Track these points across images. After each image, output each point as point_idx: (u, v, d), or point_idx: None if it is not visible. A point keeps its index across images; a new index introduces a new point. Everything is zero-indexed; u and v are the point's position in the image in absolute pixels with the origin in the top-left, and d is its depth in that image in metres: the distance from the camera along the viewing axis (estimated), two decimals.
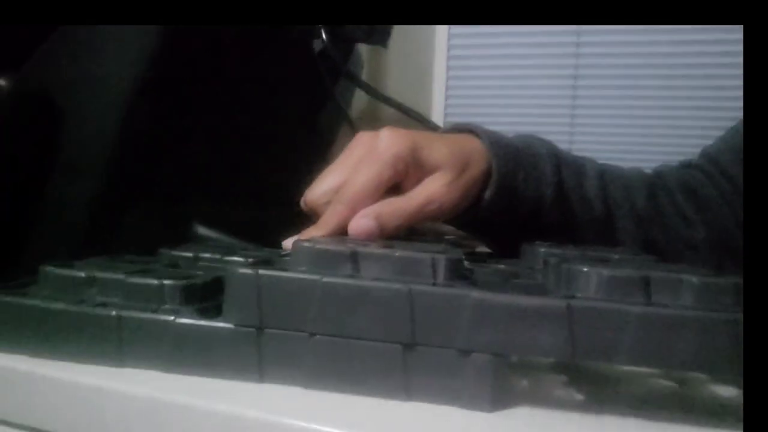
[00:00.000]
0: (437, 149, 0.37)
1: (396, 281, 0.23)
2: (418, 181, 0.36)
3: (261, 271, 0.23)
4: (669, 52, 1.54)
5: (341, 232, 0.34)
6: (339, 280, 0.23)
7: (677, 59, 1.54)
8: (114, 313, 0.24)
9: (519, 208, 0.41)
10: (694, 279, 0.23)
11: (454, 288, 0.22)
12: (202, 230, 0.53)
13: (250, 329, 0.23)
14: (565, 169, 0.43)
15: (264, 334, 0.23)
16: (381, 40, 0.59)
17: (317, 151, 0.67)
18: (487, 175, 0.39)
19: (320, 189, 0.36)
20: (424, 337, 0.22)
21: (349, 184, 0.34)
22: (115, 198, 0.46)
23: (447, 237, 0.49)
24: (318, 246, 0.25)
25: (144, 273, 0.27)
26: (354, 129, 0.62)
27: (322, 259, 0.24)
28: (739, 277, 0.23)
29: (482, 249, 0.46)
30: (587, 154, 0.49)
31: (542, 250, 0.33)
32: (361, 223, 0.33)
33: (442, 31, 1.63)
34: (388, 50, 0.66)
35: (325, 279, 0.23)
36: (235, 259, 0.34)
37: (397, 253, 0.24)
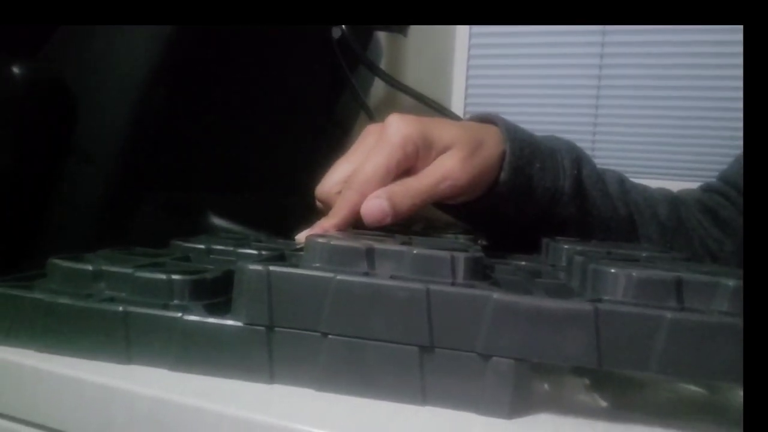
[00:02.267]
0: (447, 130, 0.35)
1: (413, 280, 0.22)
2: (429, 163, 0.35)
3: (272, 268, 0.22)
4: (695, 52, 1.50)
5: (354, 219, 0.33)
6: (354, 278, 0.21)
7: (703, 59, 1.50)
8: (121, 308, 0.23)
9: (534, 199, 0.39)
10: (731, 282, 0.21)
11: (474, 289, 0.21)
12: (217, 220, 0.52)
13: (260, 328, 0.22)
14: (585, 166, 0.42)
15: (275, 334, 0.22)
16: (401, 28, 0.58)
17: (334, 140, 0.66)
18: (502, 159, 0.38)
19: (331, 180, 0.36)
20: (443, 339, 0.21)
21: (359, 170, 0.33)
22: (129, 187, 0.45)
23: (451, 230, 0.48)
24: (332, 242, 0.24)
25: (153, 267, 0.26)
26: (371, 118, 0.61)
27: (336, 256, 0.23)
28: None
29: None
30: (609, 149, 0.48)
31: (566, 246, 0.32)
32: (374, 203, 0.32)
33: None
34: (408, 40, 0.64)
35: (339, 277, 0.21)
36: (248, 251, 0.33)
37: (415, 251, 0.23)
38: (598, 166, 0.45)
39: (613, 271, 0.22)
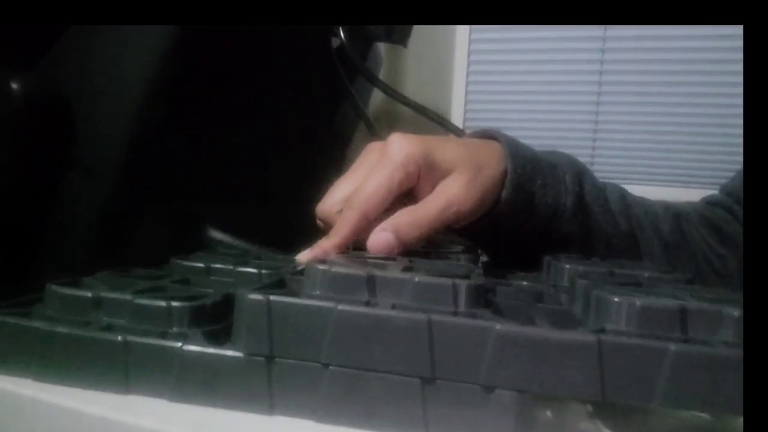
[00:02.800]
0: (449, 150, 0.35)
1: (415, 309, 0.22)
2: (432, 184, 0.35)
3: (272, 297, 0.22)
4: (695, 59, 1.49)
5: (355, 239, 0.33)
6: (354, 308, 0.21)
7: (704, 66, 1.49)
8: (119, 338, 0.23)
9: (536, 215, 0.39)
10: (735, 312, 0.21)
11: (477, 319, 0.21)
12: (217, 234, 0.52)
13: (260, 358, 0.22)
14: (587, 182, 0.42)
15: (275, 364, 0.22)
16: (400, 39, 0.58)
17: (334, 151, 0.66)
18: (504, 176, 0.38)
19: (332, 199, 0.36)
20: (445, 370, 0.21)
21: (360, 189, 0.33)
22: (129, 200, 0.45)
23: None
24: (333, 269, 0.23)
25: (152, 292, 0.26)
26: (371, 129, 0.61)
27: (337, 284, 0.23)
28: None
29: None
30: (609, 155, 0.48)
31: (567, 266, 0.32)
32: (380, 237, 0.32)
33: (462, 30, 1.60)
34: (408, 49, 0.64)
35: (341, 307, 0.21)
36: (248, 270, 0.33)
37: (417, 278, 0.23)
38: (599, 174, 0.45)
39: (616, 299, 0.22)
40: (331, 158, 0.66)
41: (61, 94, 0.42)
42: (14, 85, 0.40)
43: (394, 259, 0.29)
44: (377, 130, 0.62)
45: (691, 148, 1.52)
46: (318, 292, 0.23)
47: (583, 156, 1.53)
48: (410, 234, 0.33)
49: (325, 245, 0.32)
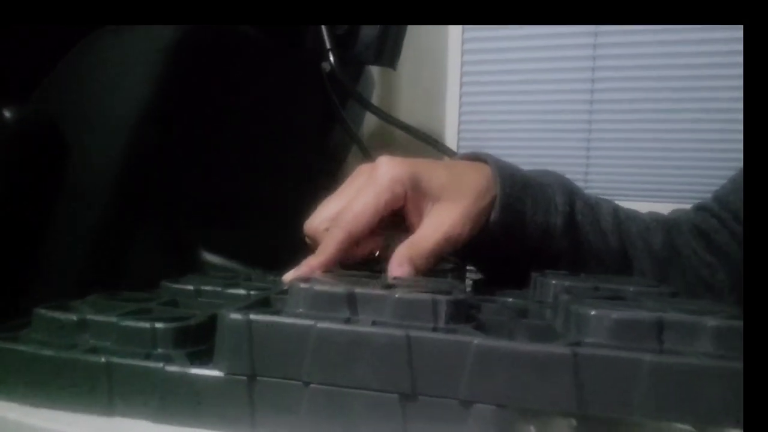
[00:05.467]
0: (437, 175, 0.36)
1: (395, 326, 0.22)
2: (419, 206, 0.36)
3: (252, 316, 0.22)
4: (690, 69, 1.51)
5: (341, 258, 0.33)
6: (334, 326, 0.21)
7: (700, 82, 1.50)
8: (103, 359, 0.23)
9: (527, 235, 0.40)
10: (712, 323, 0.21)
11: (455, 334, 0.21)
12: (210, 257, 0.52)
13: (241, 378, 0.22)
14: (578, 201, 0.42)
15: (256, 383, 0.22)
16: (389, 61, 0.59)
17: (327, 173, 0.66)
18: (494, 199, 0.38)
19: (320, 217, 0.36)
20: (425, 386, 0.21)
21: (347, 210, 0.34)
22: (122, 224, 0.45)
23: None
24: (315, 287, 0.24)
25: (138, 314, 0.26)
26: (363, 150, 0.61)
27: (319, 302, 0.23)
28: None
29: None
30: (602, 181, 0.48)
31: (553, 282, 0.32)
32: (401, 271, 0.32)
33: (454, 51, 1.61)
34: (401, 72, 0.65)
35: (320, 325, 0.22)
36: (237, 291, 0.33)
37: (396, 295, 0.23)
38: (592, 190, 0.45)
39: (593, 313, 0.22)
40: (324, 180, 0.67)
41: (54, 123, 0.43)
42: (7, 115, 0.40)
43: (378, 277, 0.29)
44: (370, 151, 0.62)
45: (684, 164, 1.52)
46: (300, 311, 0.24)
47: (576, 173, 1.53)
48: (422, 264, 0.34)
49: (311, 263, 0.33)
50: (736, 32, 1.40)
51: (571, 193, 0.42)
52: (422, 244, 0.34)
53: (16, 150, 0.41)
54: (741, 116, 1.44)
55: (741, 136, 1.44)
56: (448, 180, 0.36)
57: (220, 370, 0.22)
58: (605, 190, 1.50)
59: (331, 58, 0.57)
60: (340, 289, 0.23)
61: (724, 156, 1.48)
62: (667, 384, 0.20)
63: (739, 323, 0.21)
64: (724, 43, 1.44)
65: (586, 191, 0.45)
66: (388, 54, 0.59)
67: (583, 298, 0.26)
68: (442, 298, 0.23)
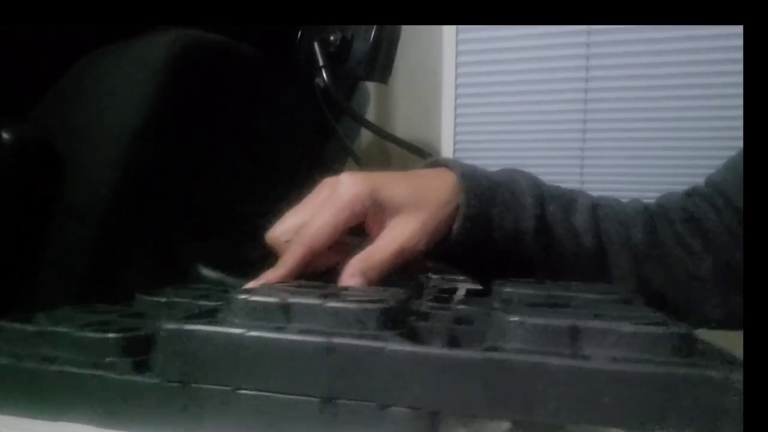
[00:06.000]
0: (398, 190, 0.37)
1: (323, 333, 0.23)
2: (380, 221, 0.36)
3: (186, 327, 0.23)
4: (685, 72, 1.50)
5: (300, 272, 0.35)
6: (262, 334, 0.23)
7: (696, 79, 1.50)
8: (51, 368, 0.24)
9: (495, 241, 0.40)
10: (625, 329, 0.22)
11: (368, 340, 0.22)
12: (206, 271, 0.54)
13: (176, 384, 0.23)
14: (549, 202, 0.42)
15: (189, 389, 0.23)
16: (381, 77, 0.60)
17: None
18: (458, 208, 0.39)
19: (282, 228, 0.37)
20: (343, 391, 0.22)
21: (308, 225, 0.35)
22: (118, 239, 0.46)
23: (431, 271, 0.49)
24: (251, 298, 0.25)
25: (96, 325, 0.27)
26: (358, 162, 0.62)
27: (255, 312, 0.25)
28: (683, 327, 0.22)
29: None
30: (597, 184, 0.47)
31: (506, 290, 0.33)
32: (352, 282, 0.34)
33: (449, 64, 1.64)
34: (397, 86, 0.66)
35: (249, 333, 0.23)
36: (207, 303, 0.35)
37: (327, 304, 0.24)
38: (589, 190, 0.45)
39: (511, 319, 0.23)
40: None
41: (51, 141, 0.45)
42: (5, 135, 0.42)
43: (323, 288, 0.30)
44: (365, 163, 0.64)
45: (679, 162, 1.52)
46: (238, 321, 0.25)
47: (572, 183, 1.57)
48: (374, 276, 0.35)
49: (270, 276, 0.34)
50: (734, 32, 1.39)
51: (541, 194, 0.42)
52: (375, 256, 0.35)
53: (14, 168, 0.43)
54: (737, 114, 1.44)
55: (737, 133, 1.43)
56: (408, 193, 0.37)
57: (157, 376, 0.23)
58: (601, 192, 1.51)
59: (324, 74, 0.59)
60: (274, 299, 0.25)
61: (721, 154, 1.47)
62: (572, 388, 0.20)
63: (652, 329, 0.22)
64: (721, 40, 1.44)
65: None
66: (379, 69, 0.60)
67: (519, 306, 0.26)
68: (372, 307, 0.24)
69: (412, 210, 0.37)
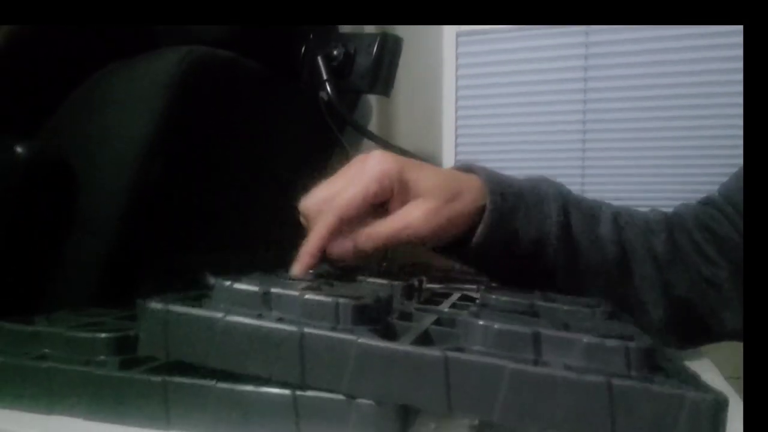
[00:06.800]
0: (425, 176, 0.38)
1: (298, 323, 0.24)
2: (403, 202, 0.38)
3: (171, 307, 0.24)
4: (684, 78, 1.51)
5: (331, 240, 0.37)
6: (239, 319, 0.24)
7: (694, 88, 1.51)
8: (44, 365, 0.27)
9: (518, 246, 0.40)
10: (584, 339, 0.23)
11: (342, 333, 0.23)
12: (214, 280, 0.54)
13: (157, 378, 0.25)
14: (574, 211, 0.43)
15: (170, 384, 0.25)
16: (383, 90, 0.61)
17: None
18: (481, 212, 0.39)
19: (314, 199, 0.39)
20: (314, 380, 0.23)
21: (338, 195, 0.37)
22: (128, 254, 0.47)
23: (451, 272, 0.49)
24: (234, 286, 0.26)
25: (89, 326, 0.30)
26: None
27: (236, 298, 0.26)
28: (647, 342, 0.23)
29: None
30: (598, 189, 0.48)
31: (490, 296, 0.33)
32: (340, 243, 0.37)
33: (449, 77, 1.66)
34: (399, 99, 0.67)
35: (227, 318, 0.24)
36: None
37: (306, 296, 0.25)
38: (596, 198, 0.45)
39: (479, 322, 0.24)
40: None
41: (62, 157, 0.45)
42: (18, 150, 0.43)
43: (312, 281, 0.31)
44: None
45: (681, 171, 1.52)
46: (221, 306, 0.26)
47: (572, 186, 1.60)
48: (366, 245, 0.37)
49: (307, 250, 0.36)
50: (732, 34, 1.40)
51: (566, 203, 0.43)
52: (378, 227, 0.37)
53: (27, 182, 0.43)
54: (736, 114, 1.45)
55: (737, 135, 1.43)
56: (433, 181, 0.38)
57: (141, 352, 0.25)
58: (602, 195, 1.51)
59: (328, 88, 0.60)
60: (255, 287, 0.26)
61: (720, 153, 1.49)
62: (525, 392, 0.21)
63: (610, 342, 0.22)
64: (721, 38, 1.46)
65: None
66: (381, 83, 0.61)
67: (491, 311, 0.27)
68: (347, 302, 0.25)
69: (431, 197, 0.37)
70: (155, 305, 0.25)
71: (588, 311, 0.32)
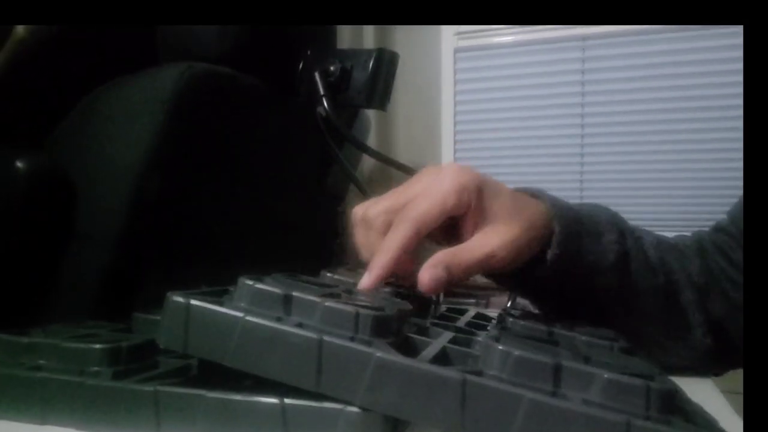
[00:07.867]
0: (502, 198, 0.37)
1: (318, 330, 0.24)
2: (476, 221, 0.36)
3: (192, 302, 0.24)
4: (683, 94, 1.51)
5: (407, 252, 0.34)
6: (258, 320, 0.24)
7: (694, 102, 1.51)
8: (39, 375, 0.27)
9: (580, 271, 0.40)
10: (605, 375, 0.22)
11: (359, 345, 0.23)
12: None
13: (149, 389, 0.25)
14: (629, 238, 0.42)
15: (161, 394, 0.25)
16: (380, 104, 0.61)
17: (325, 213, 0.69)
18: (548, 236, 0.38)
19: (380, 207, 0.36)
20: (330, 388, 0.23)
21: (413, 206, 0.35)
22: (128, 266, 0.47)
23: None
24: (257, 286, 0.26)
25: (83, 338, 0.30)
26: (361, 189, 0.63)
27: (257, 298, 0.26)
28: (668, 384, 0.23)
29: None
30: (597, 202, 0.48)
31: (509, 318, 0.33)
32: (432, 273, 0.33)
33: (448, 90, 1.67)
34: (398, 113, 0.68)
35: (248, 318, 0.24)
36: None
37: (326, 303, 0.25)
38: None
39: (500, 348, 0.24)
40: (324, 217, 0.70)
41: (62, 172, 0.45)
42: (19, 164, 0.43)
43: (334, 287, 0.31)
44: (370, 187, 0.64)
45: (680, 193, 1.53)
46: (241, 305, 0.26)
47: (571, 197, 1.63)
48: (458, 274, 0.34)
49: (382, 262, 0.33)
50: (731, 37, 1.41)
51: (621, 230, 0.42)
52: (464, 254, 0.34)
53: (28, 196, 0.44)
54: (736, 127, 1.44)
55: (737, 149, 1.43)
56: (510, 204, 0.37)
57: (159, 343, 0.25)
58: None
59: (325, 104, 0.60)
60: (277, 289, 0.26)
61: (721, 166, 1.52)
62: (541, 422, 0.21)
63: (630, 380, 0.22)
64: (714, 52, 1.48)
65: None
66: (378, 97, 0.61)
67: (511, 336, 0.27)
68: (367, 313, 0.25)
69: (508, 221, 0.36)
70: (177, 299, 0.25)
71: (606, 344, 0.32)
